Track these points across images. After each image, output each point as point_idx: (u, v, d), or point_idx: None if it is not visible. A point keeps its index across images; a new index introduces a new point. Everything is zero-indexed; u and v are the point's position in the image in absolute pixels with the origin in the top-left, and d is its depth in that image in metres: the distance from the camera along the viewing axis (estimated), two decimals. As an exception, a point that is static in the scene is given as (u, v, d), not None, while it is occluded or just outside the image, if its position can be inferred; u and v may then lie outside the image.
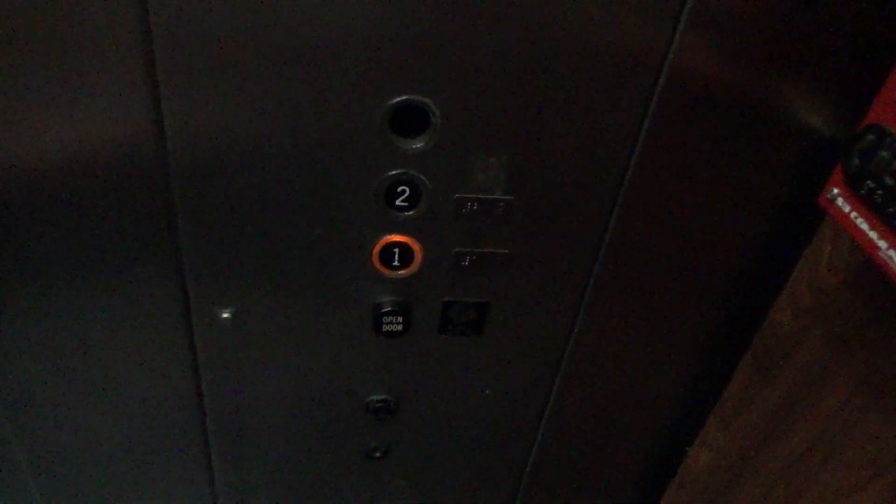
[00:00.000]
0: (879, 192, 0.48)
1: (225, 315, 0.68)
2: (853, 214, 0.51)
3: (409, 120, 0.57)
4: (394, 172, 0.60)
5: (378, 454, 0.84)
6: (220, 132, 0.56)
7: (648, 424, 0.87)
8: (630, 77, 0.56)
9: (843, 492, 0.65)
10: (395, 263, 0.66)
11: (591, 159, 0.61)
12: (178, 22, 0.50)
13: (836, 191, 0.53)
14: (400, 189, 0.61)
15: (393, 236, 0.64)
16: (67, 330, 0.68)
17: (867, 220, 0.50)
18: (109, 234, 0.62)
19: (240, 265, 0.65)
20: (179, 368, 0.73)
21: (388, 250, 0.65)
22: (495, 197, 0.62)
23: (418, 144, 0.58)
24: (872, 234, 0.49)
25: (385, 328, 0.70)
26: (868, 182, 0.49)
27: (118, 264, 0.64)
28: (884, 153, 0.47)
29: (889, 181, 0.47)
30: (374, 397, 0.78)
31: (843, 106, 0.59)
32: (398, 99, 0.55)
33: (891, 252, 0.47)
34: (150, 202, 0.60)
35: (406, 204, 0.62)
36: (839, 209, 0.53)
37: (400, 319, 0.69)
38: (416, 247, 0.65)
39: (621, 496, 0.97)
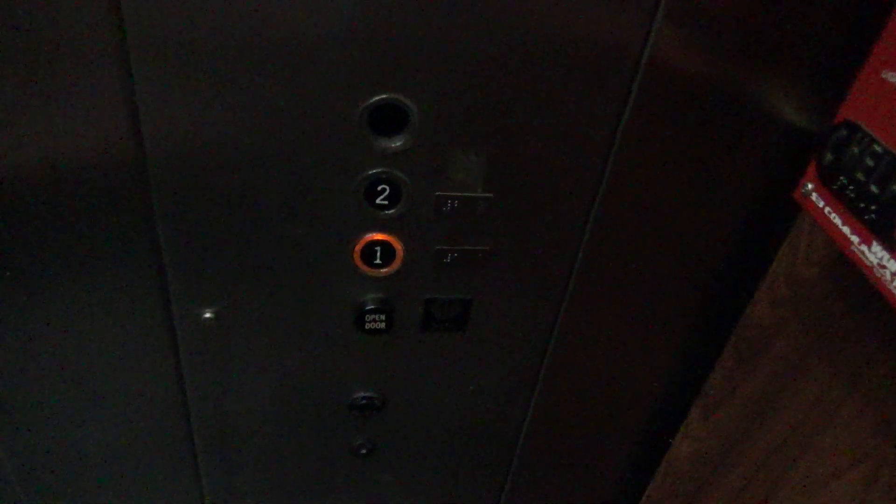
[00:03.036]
0: (851, 187, 0.48)
1: (207, 315, 0.68)
2: (827, 209, 0.52)
3: (387, 118, 0.57)
4: (373, 171, 0.60)
5: (364, 451, 0.85)
6: (197, 133, 0.56)
7: (632, 417, 0.88)
8: (608, 72, 0.56)
9: (821, 480, 0.66)
10: (377, 262, 0.66)
11: (570, 155, 0.61)
12: (152, 23, 0.49)
13: (810, 186, 0.54)
14: (380, 188, 0.61)
15: (374, 235, 0.64)
16: (49, 331, 0.67)
17: (840, 215, 0.50)
18: (89, 237, 0.61)
19: (221, 265, 0.65)
20: (162, 369, 0.72)
21: (369, 249, 0.65)
22: (476, 194, 0.62)
23: (397, 143, 0.58)
24: (845, 229, 0.50)
25: (368, 326, 0.70)
26: (841, 177, 0.50)
27: (99, 266, 0.64)
28: (855, 149, 0.48)
29: (860, 177, 0.47)
30: (360, 395, 0.78)
31: (820, 101, 0.60)
32: (376, 98, 0.55)
33: (863, 247, 0.48)
34: (129, 204, 0.60)
35: (387, 202, 0.62)
36: (813, 204, 0.54)
37: (383, 317, 0.70)
38: (397, 245, 0.65)
39: (606, 489, 0.98)
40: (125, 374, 0.72)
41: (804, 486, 0.69)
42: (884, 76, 0.46)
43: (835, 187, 0.50)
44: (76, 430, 0.77)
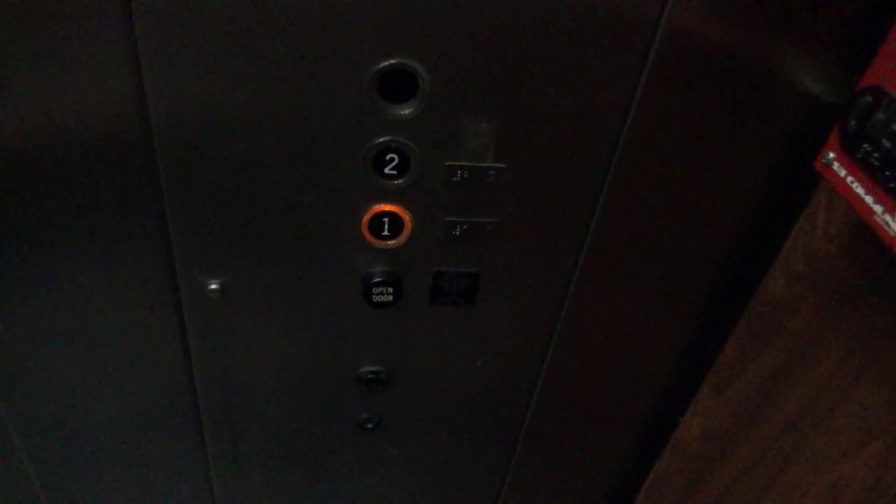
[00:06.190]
0: (876, 154, 0.47)
1: (213, 286, 0.67)
2: (849, 179, 0.50)
3: (397, 85, 0.55)
4: (382, 139, 0.58)
5: (370, 425, 0.84)
6: (203, 100, 0.55)
7: (641, 393, 0.87)
8: (624, 40, 0.55)
9: (833, 458, 0.66)
10: (385, 233, 0.65)
11: (583, 125, 0.60)
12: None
13: (832, 155, 0.52)
14: (389, 157, 0.60)
15: (383, 205, 0.63)
16: (55, 302, 0.67)
17: (863, 184, 0.49)
18: (95, 207, 0.61)
19: (227, 236, 0.64)
20: (168, 340, 0.72)
21: (377, 220, 0.64)
22: (486, 165, 0.61)
23: (407, 110, 0.57)
24: (868, 199, 0.48)
25: (375, 299, 0.69)
26: (864, 145, 0.48)
27: (104, 236, 0.63)
28: (881, 115, 0.46)
29: (886, 143, 0.46)
30: (366, 368, 0.78)
31: (842, 68, 0.58)
32: (386, 63, 0.54)
33: (886, 216, 0.47)
34: (134, 173, 0.59)
35: (395, 172, 0.61)
36: (835, 173, 0.52)
37: (390, 290, 0.69)
38: (405, 216, 0.64)
39: (613, 465, 0.98)
40: (131, 345, 0.72)
41: (815, 463, 0.68)
42: (913, 38, 0.44)
43: (858, 155, 0.49)
44: (82, 400, 0.77)
